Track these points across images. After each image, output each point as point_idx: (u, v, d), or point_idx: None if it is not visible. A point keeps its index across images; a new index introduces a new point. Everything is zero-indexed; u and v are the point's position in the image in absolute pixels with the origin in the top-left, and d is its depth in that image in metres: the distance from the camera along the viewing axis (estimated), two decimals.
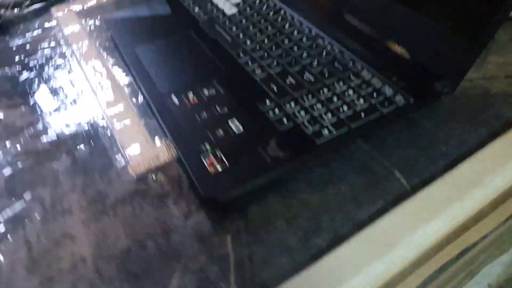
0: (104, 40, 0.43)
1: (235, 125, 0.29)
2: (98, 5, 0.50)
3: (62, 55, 0.42)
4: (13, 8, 0.49)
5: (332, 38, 0.36)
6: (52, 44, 0.44)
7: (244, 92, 0.32)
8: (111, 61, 0.40)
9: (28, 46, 0.44)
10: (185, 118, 0.30)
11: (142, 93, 0.35)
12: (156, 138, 0.31)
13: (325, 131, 0.28)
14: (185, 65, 0.36)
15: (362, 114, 0.28)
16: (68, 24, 0.46)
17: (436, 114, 0.31)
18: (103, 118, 0.34)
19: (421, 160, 0.27)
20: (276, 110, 0.30)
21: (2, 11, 0.48)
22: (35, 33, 0.46)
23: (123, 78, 0.37)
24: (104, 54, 0.41)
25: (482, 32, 0.27)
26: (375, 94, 0.30)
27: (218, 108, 0.30)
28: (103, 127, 0.33)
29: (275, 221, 0.25)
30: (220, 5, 0.43)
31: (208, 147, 0.27)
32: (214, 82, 0.33)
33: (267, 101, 0.30)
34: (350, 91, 0.30)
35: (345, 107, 0.29)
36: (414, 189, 0.26)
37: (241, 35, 0.38)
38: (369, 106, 0.29)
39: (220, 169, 0.26)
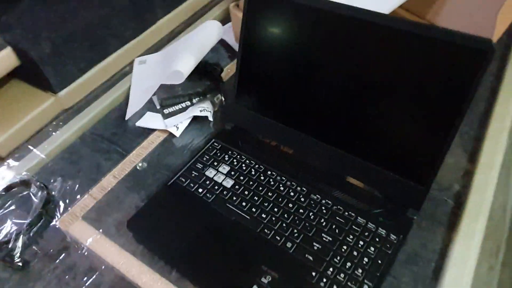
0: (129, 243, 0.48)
1: None
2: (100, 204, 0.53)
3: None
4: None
5: (321, 192, 0.49)
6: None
7: (290, 269, 0.42)
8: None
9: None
10: None
11: None
12: None
13: (365, 286, 0.40)
14: (226, 257, 0.45)
15: (378, 260, 0.42)
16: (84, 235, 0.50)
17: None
18: None
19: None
20: (324, 280, 0.41)
21: None
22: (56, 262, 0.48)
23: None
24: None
25: (429, 173, 0.43)
26: (378, 239, 0.44)
27: None
28: None
29: None
30: (216, 179, 0.52)
31: None
32: (263, 268, 0.43)
33: (313, 273, 0.42)
34: (361, 242, 0.44)
35: (365, 259, 0.42)
36: None
37: (253, 209, 0.48)
38: (378, 251, 0.43)
39: None
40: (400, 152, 0.46)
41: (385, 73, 0.44)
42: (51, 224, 0.52)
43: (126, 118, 0.64)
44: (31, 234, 0.51)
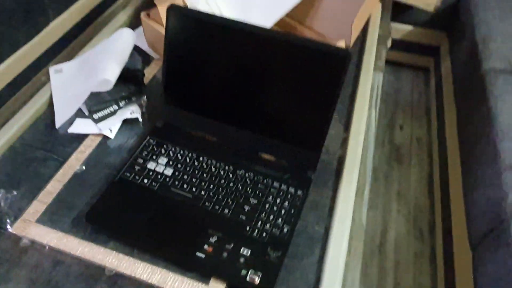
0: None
1: (246, 250, 0.54)
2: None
3: None
4: None
5: (243, 168, 0.63)
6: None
7: (230, 228, 0.56)
8: None
9: None
10: (216, 263, 0.52)
11: (173, 263, 0.54)
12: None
13: (285, 228, 0.56)
14: (178, 229, 0.56)
15: (291, 211, 0.58)
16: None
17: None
18: None
19: None
20: (256, 231, 0.56)
21: None
22: None
23: None
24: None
25: (319, 142, 0.60)
26: (289, 196, 0.60)
27: (227, 247, 0.54)
28: None
29: None
30: (158, 169, 0.62)
31: (244, 273, 0.51)
32: (210, 231, 0.55)
33: (247, 228, 0.56)
34: (278, 200, 0.59)
35: (282, 211, 0.58)
36: None
37: (194, 189, 0.60)
38: (291, 204, 0.59)
39: (259, 279, 0.51)
40: (296, 129, 0.62)
41: (277, 72, 0.59)
42: (3, 233, 0.56)
43: (57, 126, 0.69)
44: None
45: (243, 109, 0.63)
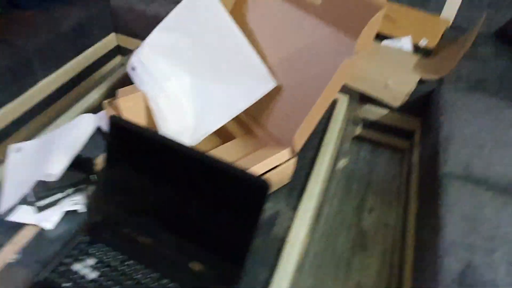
0: None
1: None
2: None
3: None
4: None
5: (170, 276, 0.64)
6: None
7: None
8: None
9: None
10: None
11: None
12: None
13: None
14: None
15: None
16: None
17: None
18: None
19: None
20: None
21: None
22: None
23: None
24: None
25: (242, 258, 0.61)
26: None
27: None
28: None
29: None
30: (82, 272, 0.63)
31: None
32: None
33: None
34: None
35: None
36: None
37: None
38: None
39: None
40: (222, 242, 0.64)
41: (204, 189, 0.62)
42: None
43: (1, 212, 0.71)
44: None
45: (175, 216, 0.66)
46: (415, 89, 1.41)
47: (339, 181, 1.54)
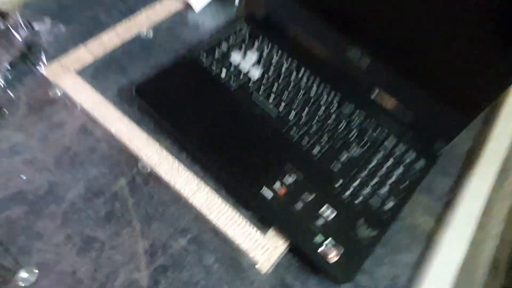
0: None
1: (330, 210, 0.37)
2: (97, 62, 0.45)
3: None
4: None
5: (355, 102, 0.45)
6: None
7: (315, 174, 0.40)
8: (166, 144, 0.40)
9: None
10: (285, 212, 0.37)
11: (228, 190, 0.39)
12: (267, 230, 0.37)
13: (389, 203, 0.39)
14: (246, 150, 0.40)
15: (405, 181, 0.40)
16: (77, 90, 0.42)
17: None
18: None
19: None
20: (348, 191, 0.39)
21: None
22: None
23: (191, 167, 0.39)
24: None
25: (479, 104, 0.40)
26: (407, 161, 0.42)
27: (306, 196, 0.38)
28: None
29: None
30: (242, 65, 0.45)
31: (319, 239, 0.36)
32: (289, 167, 0.39)
33: (338, 183, 0.39)
34: (390, 161, 0.42)
35: (392, 178, 0.41)
36: None
37: (281, 108, 0.43)
38: (405, 174, 0.41)
39: (338, 256, 0.35)
40: (452, 73, 0.42)
41: None
42: (34, 71, 0.43)
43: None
44: (10, 77, 0.41)
45: (380, 25, 0.44)
46: None
47: None
